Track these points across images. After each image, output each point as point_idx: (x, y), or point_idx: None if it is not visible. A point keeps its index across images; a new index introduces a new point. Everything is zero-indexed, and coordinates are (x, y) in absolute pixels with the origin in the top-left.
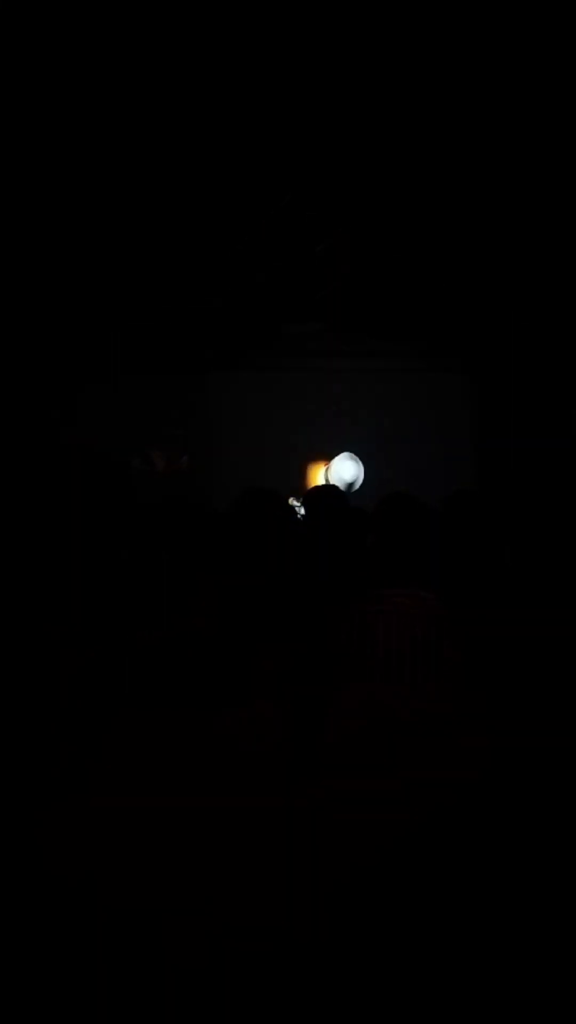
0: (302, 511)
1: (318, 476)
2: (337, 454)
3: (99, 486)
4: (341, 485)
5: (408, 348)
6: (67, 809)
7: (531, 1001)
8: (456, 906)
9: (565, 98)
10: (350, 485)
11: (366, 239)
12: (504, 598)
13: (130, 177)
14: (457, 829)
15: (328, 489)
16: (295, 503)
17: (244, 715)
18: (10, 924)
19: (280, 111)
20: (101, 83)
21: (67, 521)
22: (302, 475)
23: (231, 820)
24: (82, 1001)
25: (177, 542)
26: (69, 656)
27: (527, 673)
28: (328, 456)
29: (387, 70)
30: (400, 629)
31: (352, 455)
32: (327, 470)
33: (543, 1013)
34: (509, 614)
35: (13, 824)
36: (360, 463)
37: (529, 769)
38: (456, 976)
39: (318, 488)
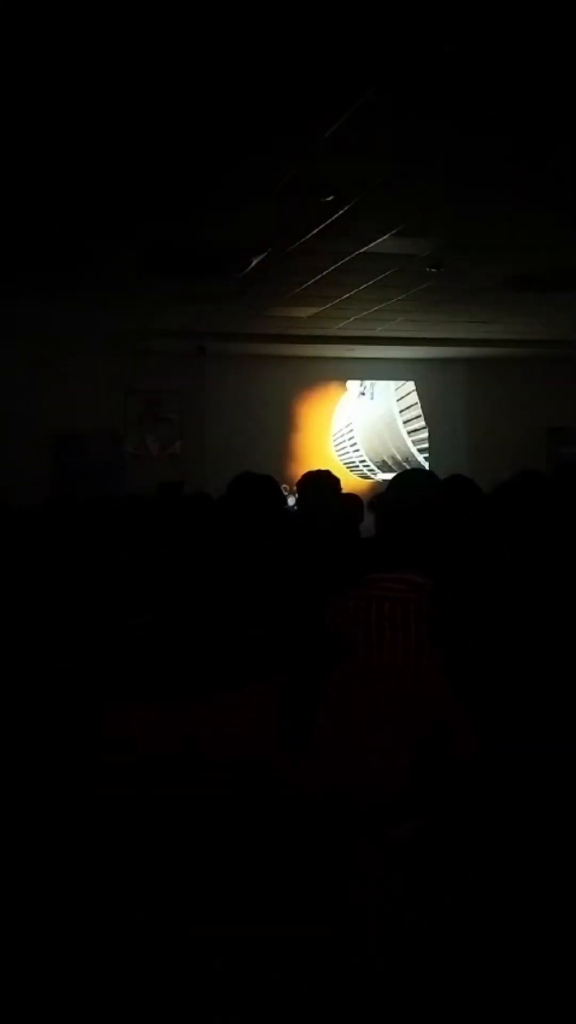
0: (291, 499)
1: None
2: (331, 443)
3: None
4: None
5: (403, 336)
6: (62, 801)
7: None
8: (451, 887)
9: None
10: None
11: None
12: (500, 586)
13: (128, 153)
14: (451, 813)
15: (321, 474)
16: (285, 490)
17: (238, 699)
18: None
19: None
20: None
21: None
22: (295, 461)
23: (224, 810)
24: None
25: (173, 529)
26: (59, 655)
27: (519, 660)
28: (321, 445)
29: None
30: (392, 614)
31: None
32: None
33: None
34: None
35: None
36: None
37: (519, 754)
38: (452, 961)
39: (311, 474)
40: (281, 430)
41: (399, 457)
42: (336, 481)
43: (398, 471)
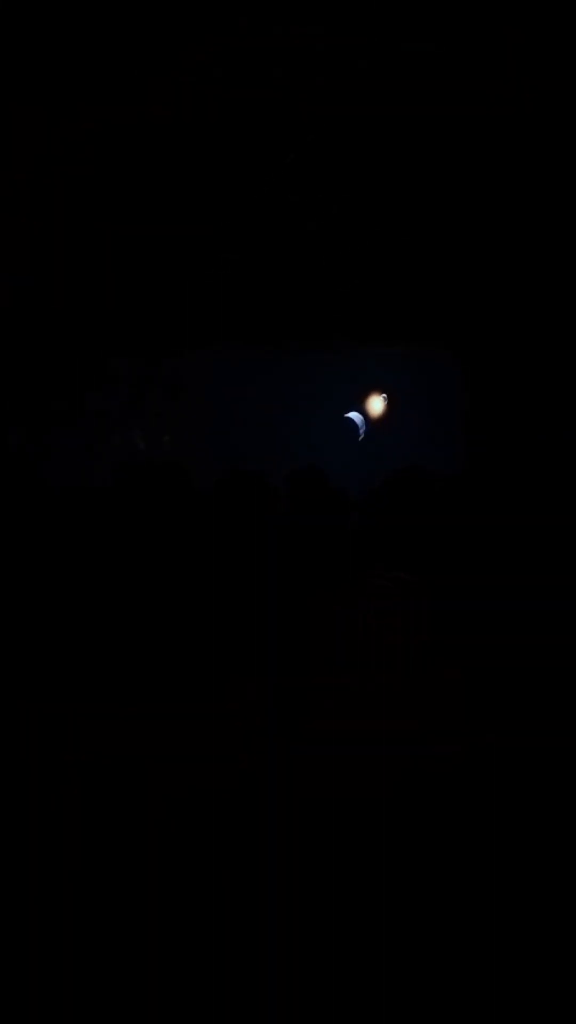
0: None
1: None
2: (324, 437)
3: None
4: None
5: (395, 330)
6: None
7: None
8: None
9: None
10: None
11: (354, 218)
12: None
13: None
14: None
15: (309, 472)
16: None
17: (233, 706)
18: None
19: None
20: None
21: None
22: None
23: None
24: None
25: (162, 524)
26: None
27: (510, 659)
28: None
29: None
30: (381, 613)
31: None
32: None
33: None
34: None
35: None
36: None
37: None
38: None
39: (299, 470)
40: (272, 427)
41: None
42: (324, 477)
43: None
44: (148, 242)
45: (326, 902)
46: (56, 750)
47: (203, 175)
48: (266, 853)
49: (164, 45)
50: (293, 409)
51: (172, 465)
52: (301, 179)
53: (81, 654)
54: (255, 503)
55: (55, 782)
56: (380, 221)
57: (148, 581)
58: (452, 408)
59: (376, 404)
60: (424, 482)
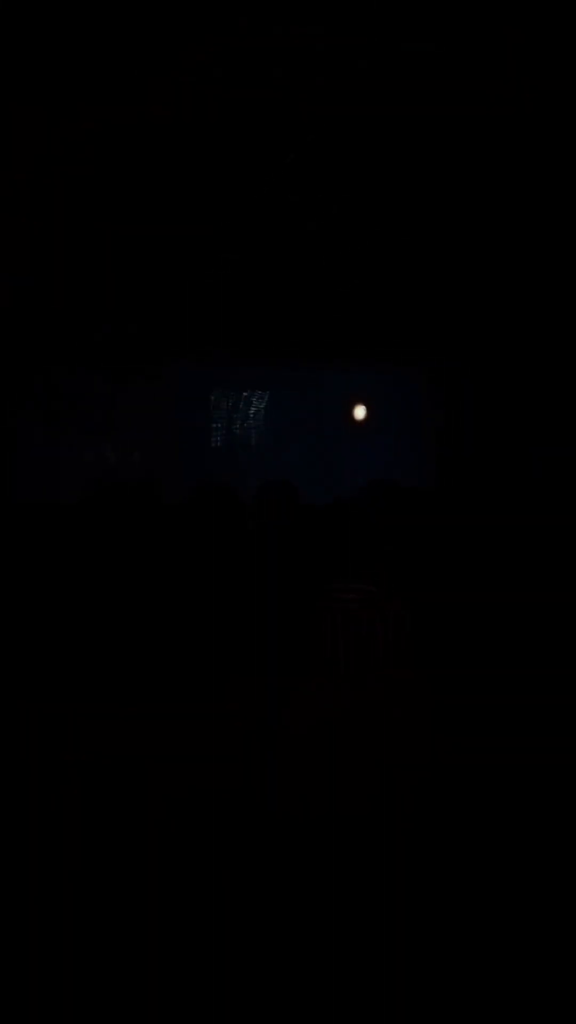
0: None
1: None
2: (294, 450)
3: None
4: None
5: (370, 348)
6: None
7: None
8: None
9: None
10: None
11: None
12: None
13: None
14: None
15: (278, 485)
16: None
17: (230, 708)
18: None
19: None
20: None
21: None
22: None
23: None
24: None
25: (130, 536)
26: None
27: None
28: (283, 454)
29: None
30: (346, 624)
31: None
32: None
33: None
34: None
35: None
36: None
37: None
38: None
39: (268, 484)
40: (244, 440)
41: None
42: (293, 491)
43: None
44: (148, 242)
45: (325, 902)
46: (56, 750)
47: (203, 175)
48: (264, 851)
49: (164, 45)
50: (263, 424)
51: (146, 479)
52: (301, 179)
53: (81, 655)
54: (226, 515)
55: (55, 782)
56: (379, 221)
57: (138, 587)
58: (426, 423)
59: (358, 413)
60: (397, 491)
